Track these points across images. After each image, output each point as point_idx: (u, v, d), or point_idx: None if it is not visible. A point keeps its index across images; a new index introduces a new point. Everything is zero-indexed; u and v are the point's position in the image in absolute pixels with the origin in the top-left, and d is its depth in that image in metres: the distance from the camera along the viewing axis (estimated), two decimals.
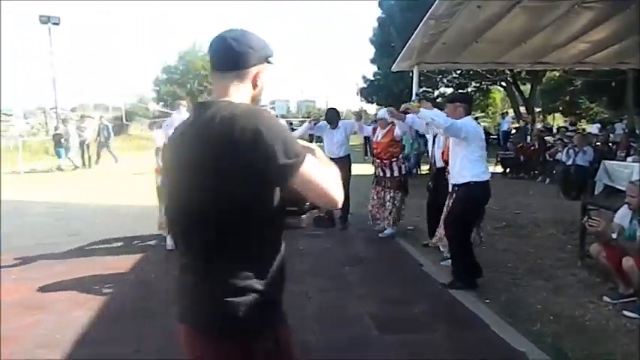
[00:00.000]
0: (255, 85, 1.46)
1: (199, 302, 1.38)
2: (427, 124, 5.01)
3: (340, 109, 8.76)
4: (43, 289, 4.31)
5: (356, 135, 7.89)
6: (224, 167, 1.26)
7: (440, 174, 5.41)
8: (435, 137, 5.66)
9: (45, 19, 20.76)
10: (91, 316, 3.72)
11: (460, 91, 25.43)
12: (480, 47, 9.34)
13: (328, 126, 6.73)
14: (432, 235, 5.62)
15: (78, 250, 5.67)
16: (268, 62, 1.48)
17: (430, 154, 5.83)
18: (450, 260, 4.64)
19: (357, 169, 7.36)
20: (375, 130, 6.59)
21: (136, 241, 5.94)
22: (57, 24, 21.17)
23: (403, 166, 6.32)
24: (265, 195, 1.33)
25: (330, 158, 6.75)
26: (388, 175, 6.22)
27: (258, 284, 1.35)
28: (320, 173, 1.32)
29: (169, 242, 5.48)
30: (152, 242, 5.84)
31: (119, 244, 5.90)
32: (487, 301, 3.96)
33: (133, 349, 3.17)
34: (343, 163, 6.40)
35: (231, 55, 1.41)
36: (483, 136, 4.37)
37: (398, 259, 5.31)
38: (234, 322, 1.33)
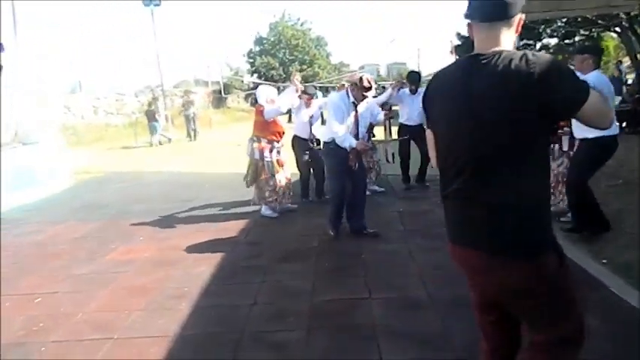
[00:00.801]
0: (517, 31, 1.58)
1: (489, 228, 1.54)
2: None
3: (434, 70, 8.64)
4: (168, 249, 4.78)
5: None
6: (520, 106, 1.42)
7: None
8: None
9: (147, 2, 22.09)
10: (211, 272, 4.08)
11: (567, 41, 23.43)
12: None
13: (407, 93, 6.67)
14: None
15: (193, 214, 6.17)
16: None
17: None
18: (569, 215, 4.68)
19: None
20: None
21: (241, 206, 6.28)
22: (158, 5, 22.43)
23: None
24: (550, 125, 1.52)
25: (409, 125, 6.71)
26: None
27: (539, 209, 1.53)
28: (600, 103, 1.48)
29: (267, 211, 5.78)
30: (256, 207, 6.17)
31: (227, 208, 6.32)
32: (604, 261, 3.75)
33: (250, 302, 3.45)
34: (422, 130, 6.42)
35: (503, 5, 1.51)
36: (613, 89, 4.19)
37: None
38: (524, 244, 1.50)
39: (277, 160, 5.65)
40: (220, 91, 25.90)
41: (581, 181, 4.25)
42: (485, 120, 1.48)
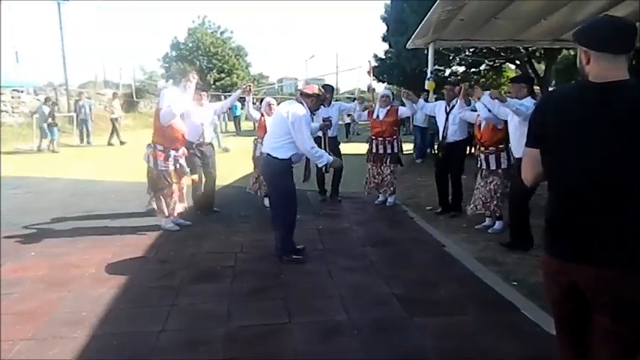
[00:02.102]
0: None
1: (619, 245, 1.61)
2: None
3: (351, 88, 8.85)
4: (64, 266, 4.28)
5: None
6: None
7: (451, 148, 6.03)
8: (448, 114, 6.08)
9: None
10: (114, 294, 3.69)
11: (473, 69, 25.10)
12: (498, 24, 9.10)
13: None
14: (442, 204, 6.28)
15: (95, 227, 5.63)
16: None
17: (442, 130, 6.19)
18: (495, 227, 5.36)
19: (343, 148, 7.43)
20: (370, 112, 6.68)
21: (150, 217, 5.82)
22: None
23: (399, 141, 6.74)
24: None
25: (321, 138, 6.91)
26: (389, 151, 6.58)
27: None
28: None
29: (167, 224, 5.45)
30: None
31: (135, 220, 5.84)
32: (514, 283, 3.89)
33: (158, 328, 3.13)
34: (334, 143, 6.83)
35: (632, 39, 1.68)
36: None
37: (419, 240, 5.24)
38: None
39: (174, 171, 5.31)
40: (132, 95, 24.56)
41: (524, 198, 4.65)
42: (619, 144, 1.59)
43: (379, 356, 2.81)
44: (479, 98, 5.11)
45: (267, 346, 2.91)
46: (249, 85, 6.41)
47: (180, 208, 5.53)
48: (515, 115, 4.57)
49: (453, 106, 6.03)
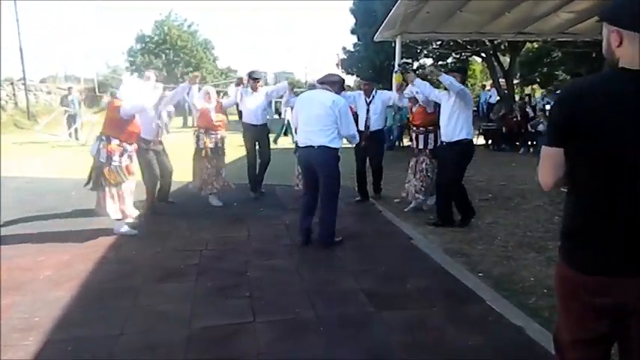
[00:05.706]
0: None
1: None
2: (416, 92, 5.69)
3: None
4: (17, 269, 4.07)
5: None
6: None
7: (374, 137, 6.28)
8: (369, 105, 6.30)
9: None
10: (71, 296, 3.52)
11: (440, 62, 25.34)
12: (463, 17, 9.18)
13: (250, 92, 6.60)
14: (361, 192, 6.59)
15: (54, 226, 5.41)
16: None
17: (365, 120, 6.34)
18: (429, 202, 5.86)
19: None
20: None
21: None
22: None
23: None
24: None
25: (252, 125, 6.64)
26: None
27: None
28: None
29: (122, 228, 5.10)
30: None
31: (96, 220, 5.62)
32: (480, 274, 3.91)
33: (116, 332, 3.01)
34: (263, 131, 6.81)
35: None
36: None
37: (387, 233, 5.22)
38: None
39: (126, 167, 4.96)
40: (94, 89, 23.85)
41: (457, 181, 5.10)
42: None
43: (345, 352, 2.76)
44: (413, 83, 5.39)
45: (230, 347, 2.82)
46: (196, 75, 6.16)
47: (134, 211, 5.18)
48: (450, 99, 4.95)
49: (373, 97, 6.35)
